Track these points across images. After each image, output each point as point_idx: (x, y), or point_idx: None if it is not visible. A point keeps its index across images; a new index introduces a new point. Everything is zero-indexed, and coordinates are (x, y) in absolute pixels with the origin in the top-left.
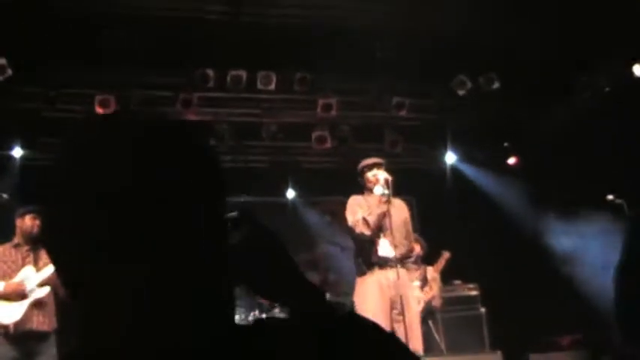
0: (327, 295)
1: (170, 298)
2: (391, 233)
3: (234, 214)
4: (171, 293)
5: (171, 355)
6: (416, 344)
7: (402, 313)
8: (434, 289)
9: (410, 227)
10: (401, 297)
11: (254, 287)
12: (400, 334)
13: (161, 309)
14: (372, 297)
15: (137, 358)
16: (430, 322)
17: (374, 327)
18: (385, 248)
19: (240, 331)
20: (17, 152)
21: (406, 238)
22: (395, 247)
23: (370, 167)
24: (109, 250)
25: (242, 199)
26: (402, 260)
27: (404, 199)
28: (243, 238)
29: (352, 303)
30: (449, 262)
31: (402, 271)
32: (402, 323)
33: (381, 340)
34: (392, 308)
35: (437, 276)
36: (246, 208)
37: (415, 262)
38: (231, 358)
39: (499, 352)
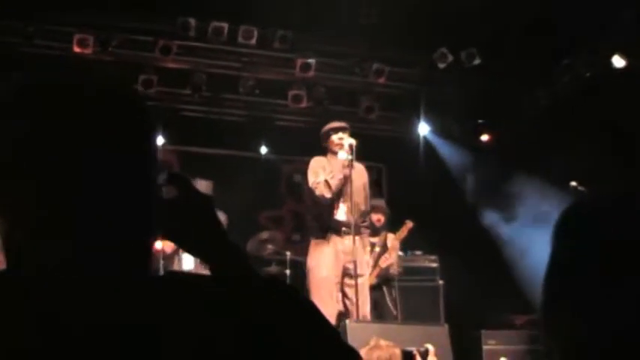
0: (289, 254)
1: (96, 243)
2: (350, 199)
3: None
4: (97, 236)
5: (88, 294)
6: (365, 309)
7: (354, 278)
8: (392, 257)
9: (368, 192)
10: (354, 263)
11: (178, 242)
12: (351, 299)
13: (86, 247)
14: (326, 263)
15: (55, 288)
16: (385, 289)
17: (292, 294)
18: (343, 213)
19: (156, 281)
20: None
21: (364, 202)
22: (353, 212)
23: (336, 130)
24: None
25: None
26: (357, 226)
27: (373, 166)
28: (175, 194)
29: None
30: (411, 232)
31: (357, 238)
32: (353, 288)
33: (295, 306)
34: (344, 274)
35: (397, 244)
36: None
37: (375, 229)
38: (144, 307)
39: (446, 326)
